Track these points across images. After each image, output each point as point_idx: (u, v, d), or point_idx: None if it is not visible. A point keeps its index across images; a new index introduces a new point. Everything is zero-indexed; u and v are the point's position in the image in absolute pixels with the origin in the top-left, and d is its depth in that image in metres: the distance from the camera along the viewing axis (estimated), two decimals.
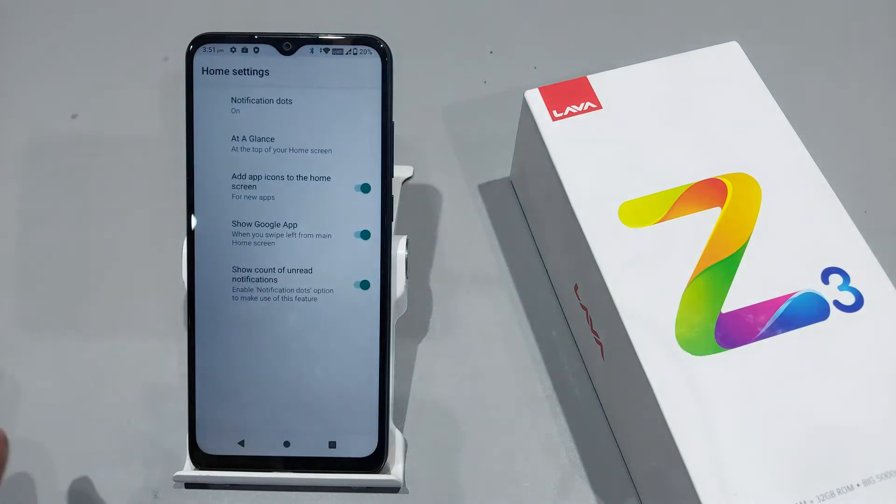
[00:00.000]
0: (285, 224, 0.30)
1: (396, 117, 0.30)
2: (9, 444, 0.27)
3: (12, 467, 0.33)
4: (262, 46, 0.30)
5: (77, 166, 0.41)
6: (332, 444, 0.31)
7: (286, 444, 0.31)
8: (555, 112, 0.34)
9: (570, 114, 0.34)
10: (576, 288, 0.34)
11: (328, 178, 0.30)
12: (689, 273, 0.30)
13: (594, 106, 0.34)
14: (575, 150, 0.33)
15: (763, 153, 0.33)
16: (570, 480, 0.34)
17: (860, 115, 0.44)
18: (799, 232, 0.31)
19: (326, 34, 0.30)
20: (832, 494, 0.26)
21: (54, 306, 0.37)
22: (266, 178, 0.30)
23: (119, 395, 0.35)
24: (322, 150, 0.30)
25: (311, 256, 0.30)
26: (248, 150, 0.30)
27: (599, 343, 0.33)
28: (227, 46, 0.30)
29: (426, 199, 0.41)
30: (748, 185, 0.32)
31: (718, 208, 0.31)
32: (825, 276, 0.30)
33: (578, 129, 0.34)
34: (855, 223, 0.31)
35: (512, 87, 0.44)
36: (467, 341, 0.36)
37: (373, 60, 0.30)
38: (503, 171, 0.41)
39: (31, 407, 0.35)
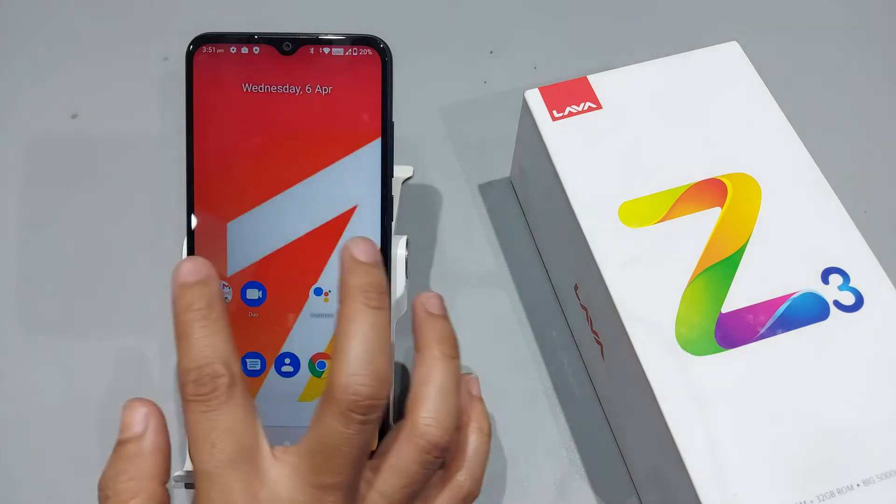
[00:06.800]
0: None
1: (396, 117, 0.30)
2: None
3: (10, 466, 0.33)
4: (262, 46, 0.29)
5: (77, 166, 0.41)
6: None
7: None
8: (555, 112, 0.34)
9: (570, 114, 0.34)
10: (576, 288, 0.34)
11: None
12: (689, 273, 0.30)
13: (594, 106, 0.34)
14: (575, 150, 0.33)
15: (763, 153, 0.33)
16: (570, 480, 0.34)
17: (860, 115, 0.44)
18: (799, 232, 0.31)
19: (326, 34, 0.30)
20: (832, 494, 0.26)
21: (54, 306, 0.37)
22: None
23: (119, 395, 0.35)
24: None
25: None
26: None
27: (599, 343, 0.33)
28: (227, 46, 0.30)
29: (426, 199, 0.41)
30: (748, 185, 0.32)
31: (718, 208, 0.31)
32: (825, 276, 0.30)
33: (578, 129, 0.34)
34: (855, 223, 0.31)
35: (512, 87, 0.44)
36: (467, 341, 0.36)
37: (373, 60, 0.30)
38: (503, 171, 0.41)
39: (31, 407, 0.35)
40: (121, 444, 0.25)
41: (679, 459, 0.27)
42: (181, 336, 0.24)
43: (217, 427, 0.23)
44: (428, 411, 0.25)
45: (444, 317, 0.28)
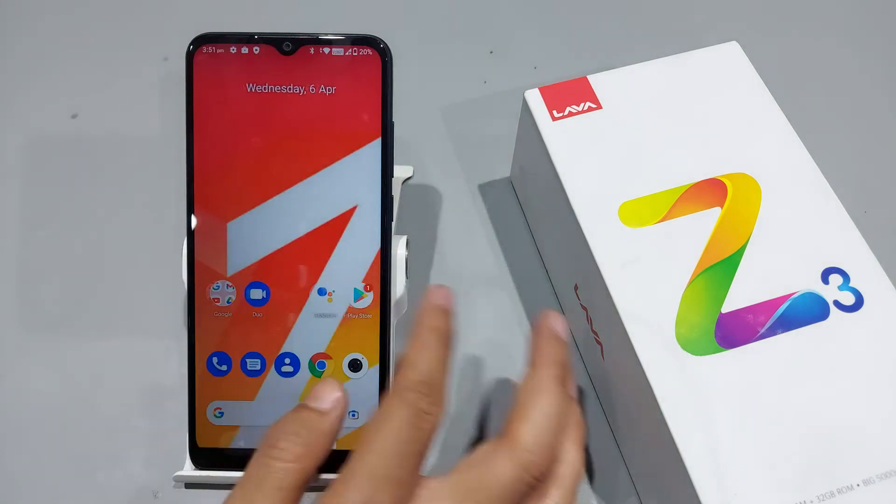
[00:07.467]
0: None
1: (396, 117, 0.30)
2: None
3: (10, 466, 0.33)
4: (262, 46, 0.30)
5: (77, 166, 0.41)
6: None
7: None
8: (555, 112, 0.34)
9: (570, 114, 0.34)
10: (576, 288, 0.34)
11: None
12: (689, 273, 0.30)
13: (594, 106, 0.34)
14: (575, 150, 0.33)
15: (763, 153, 0.33)
16: None
17: (860, 115, 0.44)
18: (799, 232, 0.31)
19: (326, 34, 0.30)
20: (832, 494, 0.26)
21: (54, 306, 0.37)
22: None
23: (119, 395, 0.35)
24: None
25: None
26: None
27: (599, 343, 0.33)
28: (227, 46, 0.30)
29: (426, 199, 0.41)
30: (748, 185, 0.32)
31: (718, 208, 0.31)
32: (825, 276, 0.30)
33: (578, 129, 0.34)
34: (855, 223, 0.31)
35: (512, 87, 0.44)
36: (467, 341, 0.36)
37: (373, 60, 0.30)
38: (503, 171, 0.41)
39: (31, 407, 0.35)
40: (307, 409, 0.25)
41: (679, 459, 0.27)
42: (423, 346, 0.25)
43: (414, 443, 0.23)
44: (532, 430, 0.25)
45: (567, 344, 0.28)
